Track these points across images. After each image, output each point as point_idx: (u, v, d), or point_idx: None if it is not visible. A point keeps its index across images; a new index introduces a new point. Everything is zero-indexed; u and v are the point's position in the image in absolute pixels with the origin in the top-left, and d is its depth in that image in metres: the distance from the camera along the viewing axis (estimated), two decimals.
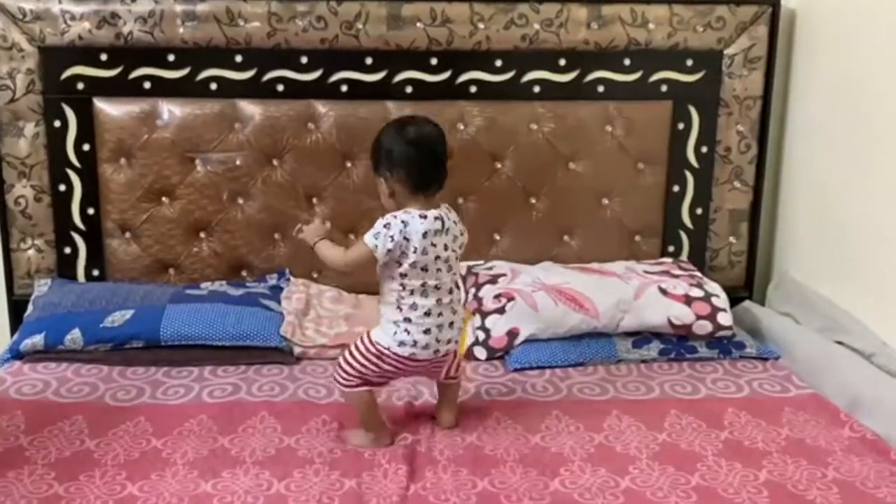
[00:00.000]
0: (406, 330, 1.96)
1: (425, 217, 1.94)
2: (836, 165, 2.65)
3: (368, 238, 1.94)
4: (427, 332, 1.96)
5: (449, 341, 2.02)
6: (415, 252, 1.92)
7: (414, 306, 1.95)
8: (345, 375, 2.03)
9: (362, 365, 2.01)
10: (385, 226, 1.94)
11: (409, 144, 1.94)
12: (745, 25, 2.80)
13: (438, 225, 1.95)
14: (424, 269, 1.94)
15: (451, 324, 2.01)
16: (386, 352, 1.98)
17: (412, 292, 1.95)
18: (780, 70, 2.88)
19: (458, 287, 2.04)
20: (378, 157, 2.01)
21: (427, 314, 1.96)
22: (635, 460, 1.98)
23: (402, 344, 1.97)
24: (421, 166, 1.94)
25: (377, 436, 2.03)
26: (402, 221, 1.93)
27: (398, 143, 1.95)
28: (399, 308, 1.96)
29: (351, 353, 2.03)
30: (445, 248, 1.96)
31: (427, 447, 2.02)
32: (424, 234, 1.93)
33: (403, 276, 1.94)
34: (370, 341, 2.01)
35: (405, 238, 1.92)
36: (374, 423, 2.04)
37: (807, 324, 2.64)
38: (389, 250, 1.92)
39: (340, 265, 2.06)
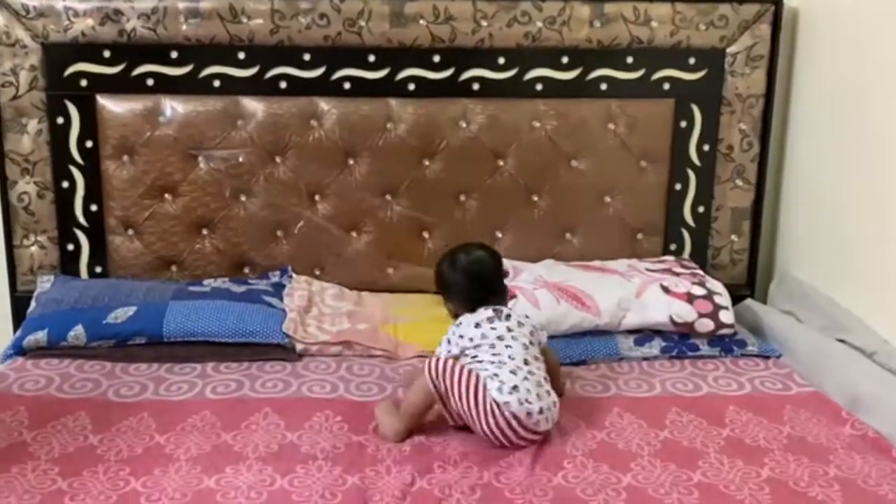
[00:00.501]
0: (501, 380, 1.98)
1: (475, 311, 2.13)
2: (838, 164, 2.66)
3: (440, 349, 2.15)
4: (515, 388, 1.97)
5: (541, 411, 1.98)
6: (471, 340, 2.08)
7: (499, 365, 2.02)
8: (434, 378, 2.00)
9: (451, 390, 1.99)
10: (447, 339, 2.16)
11: (461, 274, 2.20)
12: (747, 24, 2.80)
13: (490, 313, 2.12)
14: (492, 346, 2.06)
15: (539, 395, 1.99)
16: (485, 390, 1.97)
17: (491, 362, 2.03)
18: (783, 68, 2.88)
19: (536, 365, 2.06)
20: (439, 284, 2.27)
21: (513, 373, 2.00)
22: (637, 457, 1.98)
23: (499, 390, 1.97)
24: (473, 292, 2.18)
25: (400, 430, 2.02)
26: (456, 325, 2.15)
27: (452, 273, 2.22)
28: (491, 364, 2.03)
29: (454, 377, 1.99)
30: (509, 329, 2.09)
31: (430, 443, 2.03)
32: (477, 325, 2.11)
33: (475, 356, 2.06)
34: (479, 380, 1.99)
35: (460, 336, 2.12)
36: (411, 421, 2.03)
37: (808, 322, 2.64)
38: (449, 343, 2.14)
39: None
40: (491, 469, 1.91)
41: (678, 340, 2.54)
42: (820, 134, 2.76)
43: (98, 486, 1.83)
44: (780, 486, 1.87)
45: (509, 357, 2.03)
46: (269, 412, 2.16)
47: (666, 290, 2.56)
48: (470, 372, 2.00)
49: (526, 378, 2.00)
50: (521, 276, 2.64)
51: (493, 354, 2.03)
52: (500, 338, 2.07)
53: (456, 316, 2.19)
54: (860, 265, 2.53)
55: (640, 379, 2.39)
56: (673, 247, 2.96)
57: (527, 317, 2.20)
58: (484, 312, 2.12)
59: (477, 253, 2.24)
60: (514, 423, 1.96)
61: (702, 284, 2.61)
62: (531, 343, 2.10)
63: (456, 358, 2.08)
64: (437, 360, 2.03)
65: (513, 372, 2.00)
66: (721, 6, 2.79)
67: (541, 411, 1.99)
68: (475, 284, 2.19)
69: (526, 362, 2.04)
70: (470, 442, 2.03)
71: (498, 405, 1.95)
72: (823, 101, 2.74)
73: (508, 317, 2.12)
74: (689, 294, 2.55)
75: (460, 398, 1.98)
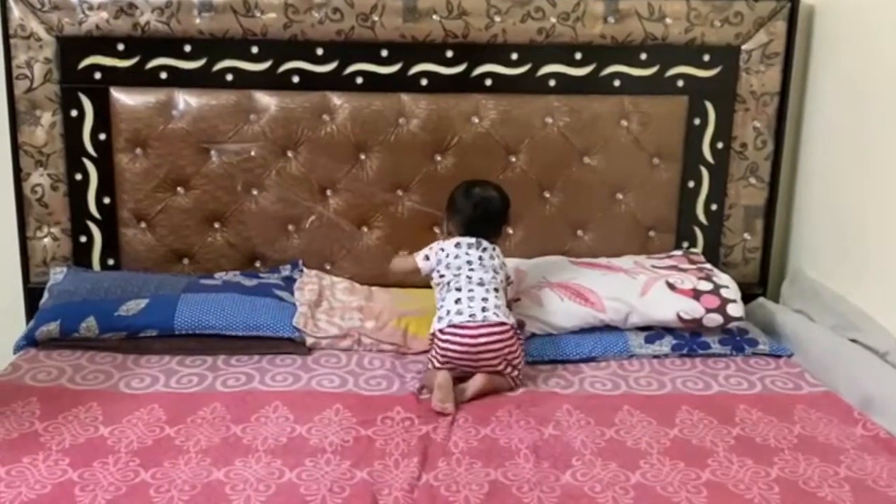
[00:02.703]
0: (446, 309, 2.30)
1: (459, 244, 2.42)
2: (852, 163, 2.64)
3: (419, 257, 2.48)
4: (458, 301, 2.29)
5: (485, 310, 2.26)
6: (447, 256, 2.40)
7: (448, 288, 2.34)
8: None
9: (431, 353, 2.31)
10: (430, 248, 2.48)
11: (470, 203, 2.45)
12: (762, 21, 2.79)
13: (473, 241, 2.42)
14: (458, 268, 2.37)
15: (485, 299, 2.29)
16: (436, 334, 2.29)
17: (448, 284, 2.35)
18: (798, 66, 2.86)
19: (486, 288, 2.33)
20: (449, 203, 2.51)
21: (458, 289, 2.32)
22: (646, 455, 1.98)
23: (440, 319, 2.29)
24: (473, 222, 2.44)
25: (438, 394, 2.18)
26: (441, 248, 2.45)
27: (463, 200, 2.47)
28: (442, 298, 2.35)
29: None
30: (480, 258, 2.39)
31: (440, 438, 2.03)
32: (458, 245, 2.42)
33: (441, 276, 2.39)
34: (430, 334, 2.34)
35: (441, 249, 2.44)
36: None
37: (820, 321, 2.63)
38: (427, 258, 2.45)
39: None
40: (497, 465, 1.92)
41: (689, 338, 2.53)
42: (835, 132, 2.74)
43: (108, 478, 1.84)
44: (790, 486, 1.86)
45: (466, 278, 2.33)
46: (278, 405, 2.16)
47: (671, 287, 2.55)
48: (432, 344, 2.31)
49: (471, 289, 2.30)
50: (524, 282, 2.64)
51: (455, 276, 2.34)
52: (469, 262, 2.36)
53: (450, 234, 2.47)
54: (873, 264, 2.52)
55: (651, 377, 2.39)
56: (685, 244, 2.94)
57: (495, 248, 2.44)
58: (469, 239, 2.41)
59: (491, 192, 2.48)
60: (458, 332, 2.23)
61: (708, 279, 2.59)
62: (496, 273, 2.37)
63: (430, 276, 2.44)
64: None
65: (458, 289, 2.31)
66: (736, 3, 2.77)
67: (484, 309, 2.26)
68: (477, 216, 2.43)
69: (481, 282, 2.32)
70: (475, 437, 2.04)
71: (440, 331, 2.26)
72: (839, 100, 2.72)
73: (485, 249, 2.40)
74: (695, 290, 2.54)
75: (440, 360, 2.27)
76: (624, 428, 2.10)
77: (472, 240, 2.41)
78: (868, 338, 2.42)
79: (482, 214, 2.44)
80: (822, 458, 1.97)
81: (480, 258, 2.38)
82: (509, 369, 2.27)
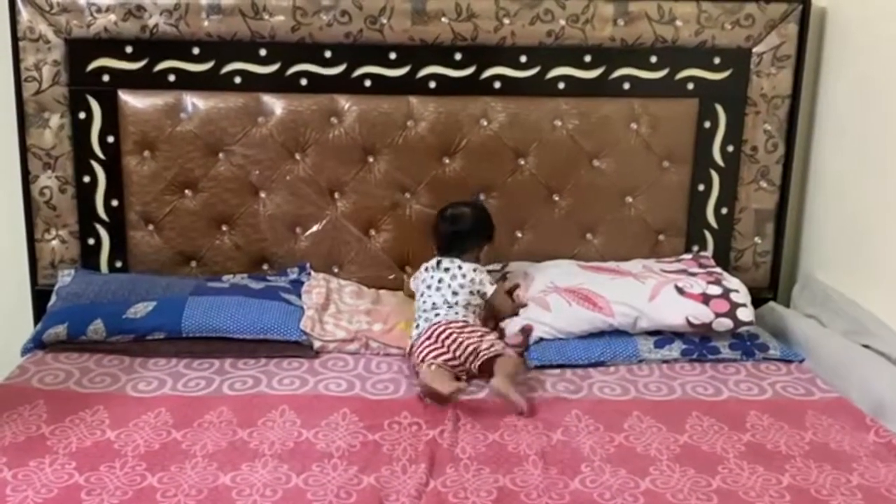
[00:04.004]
0: (417, 325, 2.43)
1: (427, 268, 2.54)
2: (864, 166, 2.62)
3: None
4: (417, 326, 2.43)
5: (448, 315, 2.39)
6: (419, 280, 2.54)
7: (417, 309, 2.48)
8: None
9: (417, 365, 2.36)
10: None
11: (442, 223, 2.58)
12: (774, 23, 2.77)
13: (434, 262, 2.53)
14: (422, 293, 2.49)
15: (437, 314, 2.40)
16: (413, 344, 2.38)
17: (418, 306, 2.49)
18: (810, 69, 2.84)
19: (447, 310, 2.43)
20: (431, 229, 2.65)
21: (418, 314, 2.46)
22: (656, 461, 1.96)
23: (416, 328, 2.42)
24: (444, 240, 2.56)
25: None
26: (422, 269, 2.56)
27: (438, 221, 2.61)
28: (417, 317, 2.47)
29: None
30: (439, 280, 2.48)
31: (448, 444, 2.02)
32: (426, 269, 2.54)
33: (416, 302, 2.52)
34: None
35: (422, 271, 2.56)
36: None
37: (832, 326, 2.61)
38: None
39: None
40: (505, 471, 1.90)
41: (699, 343, 2.51)
42: (846, 135, 2.72)
43: (115, 482, 1.83)
44: (802, 494, 1.84)
45: (423, 302, 2.45)
46: (285, 409, 2.16)
47: (681, 291, 2.53)
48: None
49: (426, 317, 2.40)
50: (533, 286, 2.62)
51: (419, 296, 2.48)
52: (428, 286, 2.48)
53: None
54: (886, 269, 2.49)
55: (660, 382, 2.37)
56: (695, 248, 2.92)
57: (461, 266, 2.48)
58: (433, 260, 2.52)
59: (461, 209, 2.60)
60: (424, 341, 2.33)
61: (718, 283, 2.57)
62: (459, 291, 2.44)
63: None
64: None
65: (425, 310, 2.43)
66: (747, 5, 2.75)
67: (448, 315, 2.38)
68: (447, 235, 2.55)
69: (434, 306, 2.43)
70: (483, 442, 2.03)
71: (412, 348, 2.37)
72: (851, 103, 2.70)
73: (446, 269, 2.48)
74: (705, 294, 2.52)
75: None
76: (633, 434, 2.08)
77: (434, 262, 2.51)
78: (880, 343, 2.39)
79: (451, 233, 2.54)
80: (833, 465, 1.95)
81: (440, 280, 2.47)
82: (502, 346, 2.35)
